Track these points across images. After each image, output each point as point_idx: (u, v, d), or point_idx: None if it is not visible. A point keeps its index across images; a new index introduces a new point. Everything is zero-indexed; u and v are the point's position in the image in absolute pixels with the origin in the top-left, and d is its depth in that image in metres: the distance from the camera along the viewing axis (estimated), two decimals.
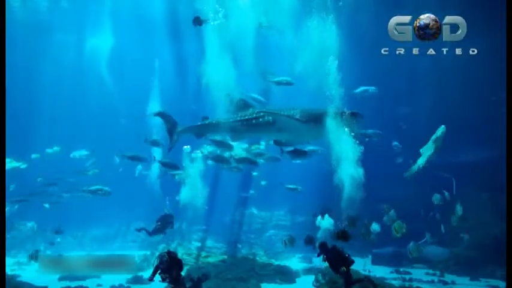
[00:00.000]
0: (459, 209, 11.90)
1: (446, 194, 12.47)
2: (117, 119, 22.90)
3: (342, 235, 8.06)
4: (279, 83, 12.44)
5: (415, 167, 11.57)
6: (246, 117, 10.14)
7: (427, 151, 11.29)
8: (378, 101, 15.56)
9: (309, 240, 9.56)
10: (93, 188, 13.87)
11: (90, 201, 15.02)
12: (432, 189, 14.27)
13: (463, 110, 15.94)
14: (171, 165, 12.69)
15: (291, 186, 14.37)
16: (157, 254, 8.40)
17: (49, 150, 18.21)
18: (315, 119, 9.07)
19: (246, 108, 10.43)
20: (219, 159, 12.55)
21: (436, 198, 12.42)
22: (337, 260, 7.53)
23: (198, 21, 11.64)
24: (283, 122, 9.46)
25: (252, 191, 18.88)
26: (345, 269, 7.42)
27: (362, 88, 14.86)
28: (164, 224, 11.43)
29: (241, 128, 10.17)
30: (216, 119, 10.76)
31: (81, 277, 11.72)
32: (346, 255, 7.61)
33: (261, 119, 9.86)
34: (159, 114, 11.83)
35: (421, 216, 15.28)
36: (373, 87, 15.03)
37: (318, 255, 7.73)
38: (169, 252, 7.48)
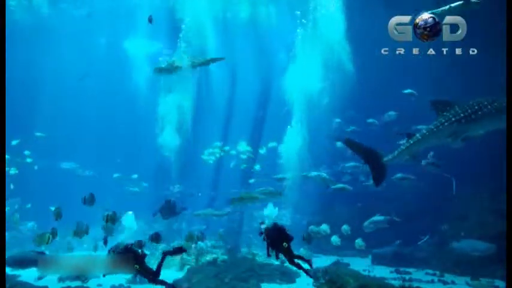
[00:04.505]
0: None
1: None
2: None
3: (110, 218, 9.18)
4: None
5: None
6: (463, 114, 9.35)
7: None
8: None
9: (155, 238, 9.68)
10: (265, 189, 14.12)
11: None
12: (432, 189, 14.36)
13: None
14: None
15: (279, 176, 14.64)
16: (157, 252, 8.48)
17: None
18: None
19: (448, 108, 9.67)
20: None
21: None
22: (279, 237, 7.93)
23: (149, 20, 12.32)
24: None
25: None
26: (286, 244, 7.87)
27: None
28: (172, 206, 11.57)
29: (460, 128, 9.44)
30: (426, 130, 9.94)
31: (81, 277, 11.71)
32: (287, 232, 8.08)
33: (480, 112, 9.16)
34: (347, 142, 11.02)
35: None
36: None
37: (260, 234, 8.10)
38: (126, 247, 7.72)
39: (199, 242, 11.69)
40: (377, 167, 10.33)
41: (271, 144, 18.93)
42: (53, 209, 16.27)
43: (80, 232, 9.81)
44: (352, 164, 15.31)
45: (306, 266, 8.24)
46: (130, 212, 8.30)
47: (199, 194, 15.65)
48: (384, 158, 10.21)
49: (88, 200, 9.51)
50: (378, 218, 12.94)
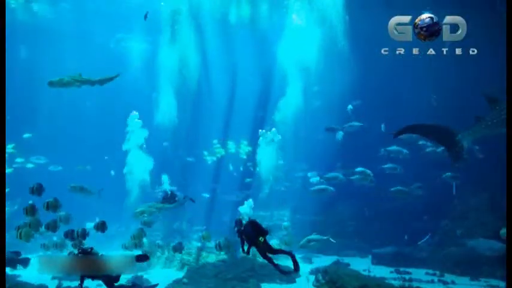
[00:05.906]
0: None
1: None
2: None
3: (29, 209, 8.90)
4: None
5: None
6: None
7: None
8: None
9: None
10: (319, 187, 14.69)
11: (90, 201, 15.06)
12: (434, 189, 14.35)
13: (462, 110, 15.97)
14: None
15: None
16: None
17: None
18: None
19: (499, 102, 9.11)
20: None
21: None
22: (255, 232, 8.01)
23: (145, 17, 13.36)
24: None
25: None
26: (262, 238, 7.93)
27: None
28: (172, 196, 11.72)
29: None
30: (493, 116, 9.29)
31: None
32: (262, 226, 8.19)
33: None
34: (412, 129, 10.45)
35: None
36: None
37: (238, 231, 8.19)
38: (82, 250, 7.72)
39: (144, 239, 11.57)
40: (453, 144, 9.74)
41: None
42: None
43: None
44: (389, 165, 15.38)
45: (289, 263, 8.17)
46: None
47: (202, 194, 15.62)
48: (459, 135, 9.64)
49: (36, 189, 9.25)
50: (315, 236, 13.11)
